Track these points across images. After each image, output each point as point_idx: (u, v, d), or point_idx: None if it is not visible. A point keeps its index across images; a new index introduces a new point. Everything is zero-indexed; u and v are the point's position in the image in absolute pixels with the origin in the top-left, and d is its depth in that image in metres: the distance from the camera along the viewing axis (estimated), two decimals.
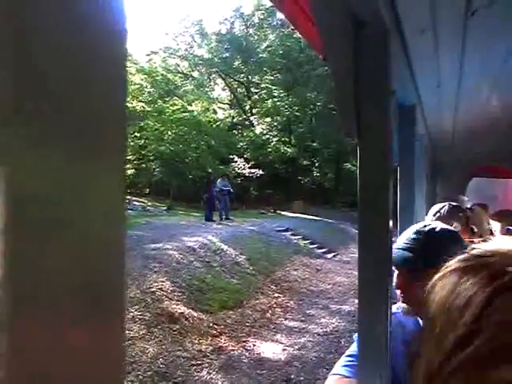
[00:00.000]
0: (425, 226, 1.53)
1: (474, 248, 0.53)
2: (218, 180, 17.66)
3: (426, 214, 3.02)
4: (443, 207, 2.94)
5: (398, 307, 1.59)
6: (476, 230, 3.13)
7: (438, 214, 2.89)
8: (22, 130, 0.26)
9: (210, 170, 23.62)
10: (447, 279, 0.52)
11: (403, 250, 1.47)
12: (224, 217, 16.35)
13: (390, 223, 1.39)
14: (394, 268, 1.46)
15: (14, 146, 0.26)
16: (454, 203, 3.09)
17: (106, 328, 0.32)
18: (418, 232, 1.50)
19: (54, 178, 0.28)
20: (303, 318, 8.54)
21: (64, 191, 0.29)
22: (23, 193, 0.26)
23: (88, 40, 0.30)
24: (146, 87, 28.08)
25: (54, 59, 0.28)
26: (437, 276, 0.54)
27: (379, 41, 1.33)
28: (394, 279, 1.47)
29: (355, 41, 1.30)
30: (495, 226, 3.59)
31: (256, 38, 31.04)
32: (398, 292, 1.49)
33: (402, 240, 1.51)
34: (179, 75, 30.72)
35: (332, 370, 1.51)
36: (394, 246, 1.49)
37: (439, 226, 1.54)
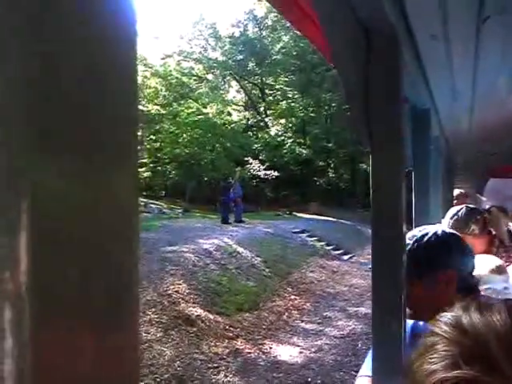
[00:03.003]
0: (419, 232, 1.50)
1: (475, 307, 0.54)
2: (234, 182, 17.75)
3: (443, 217, 2.99)
4: (460, 210, 2.91)
5: None
6: (494, 232, 3.09)
7: (456, 217, 2.86)
8: (37, 142, 0.27)
9: (226, 172, 23.68)
10: (429, 337, 0.54)
11: None
12: (238, 219, 16.40)
13: (404, 229, 1.39)
14: None
15: (31, 158, 0.27)
16: (472, 206, 3.06)
17: (120, 334, 0.33)
18: (410, 238, 1.47)
19: (70, 187, 0.29)
20: (320, 321, 8.51)
21: (79, 199, 0.29)
22: (43, 205, 0.27)
23: (98, 42, 0.31)
24: (161, 90, 28.29)
25: (64, 61, 0.28)
26: (432, 326, 0.56)
27: (389, 48, 1.33)
28: None
29: (365, 49, 1.30)
30: None
31: (270, 39, 31.03)
32: None
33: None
34: (194, 78, 30.85)
35: (359, 371, 1.52)
36: None
37: (433, 231, 1.49)
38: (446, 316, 0.54)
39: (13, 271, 0.27)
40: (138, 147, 0.37)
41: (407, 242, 1.46)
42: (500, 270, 2.21)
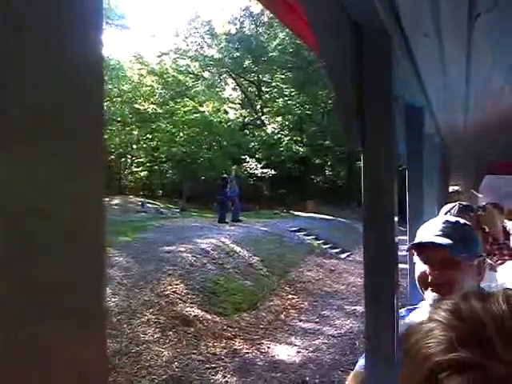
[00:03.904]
0: (457, 220, 1.53)
1: (473, 294, 0.54)
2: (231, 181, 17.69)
3: (437, 215, 2.98)
4: (453, 207, 2.91)
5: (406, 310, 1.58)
6: (488, 229, 3.09)
7: (449, 214, 2.85)
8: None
9: (223, 171, 23.65)
10: (427, 323, 0.54)
11: (442, 236, 1.41)
12: (235, 218, 16.35)
13: (395, 228, 1.37)
14: (418, 256, 1.41)
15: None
16: (465, 203, 3.06)
17: (87, 337, 0.32)
18: (454, 222, 1.48)
19: (32, 185, 0.28)
20: (317, 320, 8.51)
21: (40, 198, 0.29)
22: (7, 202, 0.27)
23: (63, 39, 0.30)
24: (158, 89, 28.22)
25: (30, 60, 0.28)
26: (431, 311, 0.56)
27: (381, 45, 1.31)
28: (418, 270, 1.42)
29: (356, 47, 1.28)
30: (510, 225, 3.53)
31: (266, 36, 30.96)
32: (421, 282, 1.42)
33: (436, 228, 1.45)
34: (190, 76, 30.75)
35: (355, 367, 1.55)
36: (427, 232, 1.45)
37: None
38: (446, 303, 0.55)
39: None
40: (105, 147, 0.36)
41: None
42: (489, 268, 2.26)
